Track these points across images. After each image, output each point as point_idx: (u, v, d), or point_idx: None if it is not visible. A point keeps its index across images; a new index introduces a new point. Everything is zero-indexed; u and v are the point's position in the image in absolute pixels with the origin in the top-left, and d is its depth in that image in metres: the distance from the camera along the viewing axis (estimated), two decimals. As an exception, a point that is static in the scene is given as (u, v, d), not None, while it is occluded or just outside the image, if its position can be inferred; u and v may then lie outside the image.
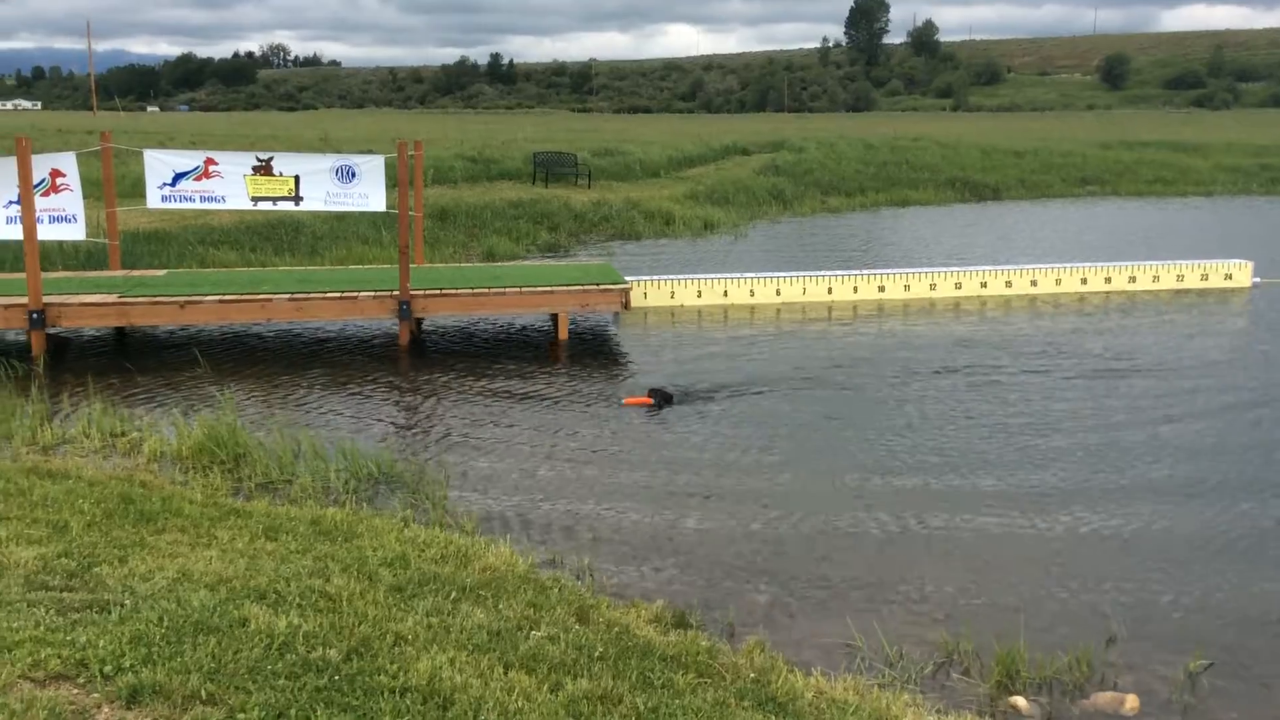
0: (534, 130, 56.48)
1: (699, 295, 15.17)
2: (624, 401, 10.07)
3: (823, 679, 4.84)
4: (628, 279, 13.80)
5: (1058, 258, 18.12)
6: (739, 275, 15.72)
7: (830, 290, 15.55)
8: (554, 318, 13.07)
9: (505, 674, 4.06)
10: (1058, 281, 16.29)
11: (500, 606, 4.99)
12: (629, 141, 42.88)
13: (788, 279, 15.58)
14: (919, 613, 5.95)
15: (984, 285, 16.06)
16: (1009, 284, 16.14)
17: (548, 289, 12.89)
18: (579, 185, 28.93)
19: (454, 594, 5.06)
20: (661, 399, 10.02)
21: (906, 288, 15.79)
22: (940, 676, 5.28)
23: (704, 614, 5.72)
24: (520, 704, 3.75)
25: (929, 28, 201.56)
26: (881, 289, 15.70)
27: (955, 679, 5.25)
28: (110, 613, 4.16)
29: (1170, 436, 9.26)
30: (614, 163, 33.32)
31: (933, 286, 15.87)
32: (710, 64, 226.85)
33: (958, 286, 15.96)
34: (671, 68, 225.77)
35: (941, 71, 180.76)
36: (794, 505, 7.53)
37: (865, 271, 16.35)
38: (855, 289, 15.64)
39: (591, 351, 12.57)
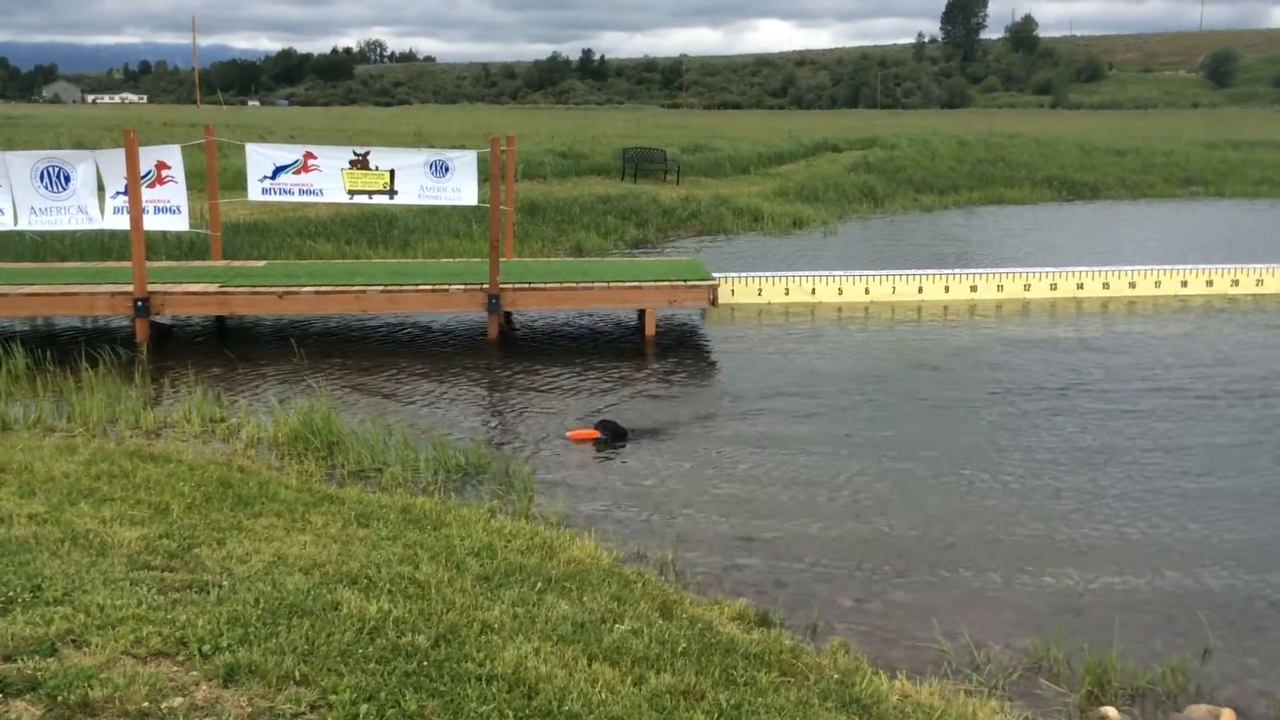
0: (624, 126, 56.65)
1: (786, 293, 15.07)
2: (568, 435, 8.87)
3: (907, 682, 4.78)
4: (715, 276, 13.77)
5: (1156, 260, 17.60)
6: (827, 273, 15.58)
7: (921, 289, 15.32)
8: (641, 313, 13.10)
9: (589, 665, 4.09)
10: (1157, 284, 15.83)
11: (584, 599, 5.03)
12: (719, 137, 42.78)
13: (877, 277, 15.40)
14: (1007, 619, 5.85)
15: (1080, 287, 15.68)
16: (1106, 285, 15.74)
17: (636, 284, 12.92)
18: (668, 181, 28.95)
19: (539, 585, 5.12)
20: (611, 433, 8.84)
21: (1000, 288, 15.49)
22: (1028, 683, 5.18)
23: (787, 614, 5.70)
24: (604, 696, 3.78)
25: (1028, 23, 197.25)
26: (974, 289, 15.43)
27: (1044, 686, 5.15)
28: (209, 593, 4.29)
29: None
30: (703, 159, 33.27)
31: (1027, 287, 15.54)
32: (802, 59, 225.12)
33: (1053, 287, 15.60)
34: (763, 63, 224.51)
35: (1040, 68, 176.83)
36: (879, 509, 7.45)
37: (957, 271, 16.09)
38: (947, 288, 15.39)
39: (678, 348, 12.58)
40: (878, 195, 29.87)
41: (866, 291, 15.20)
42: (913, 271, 15.85)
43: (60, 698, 3.26)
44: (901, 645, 5.48)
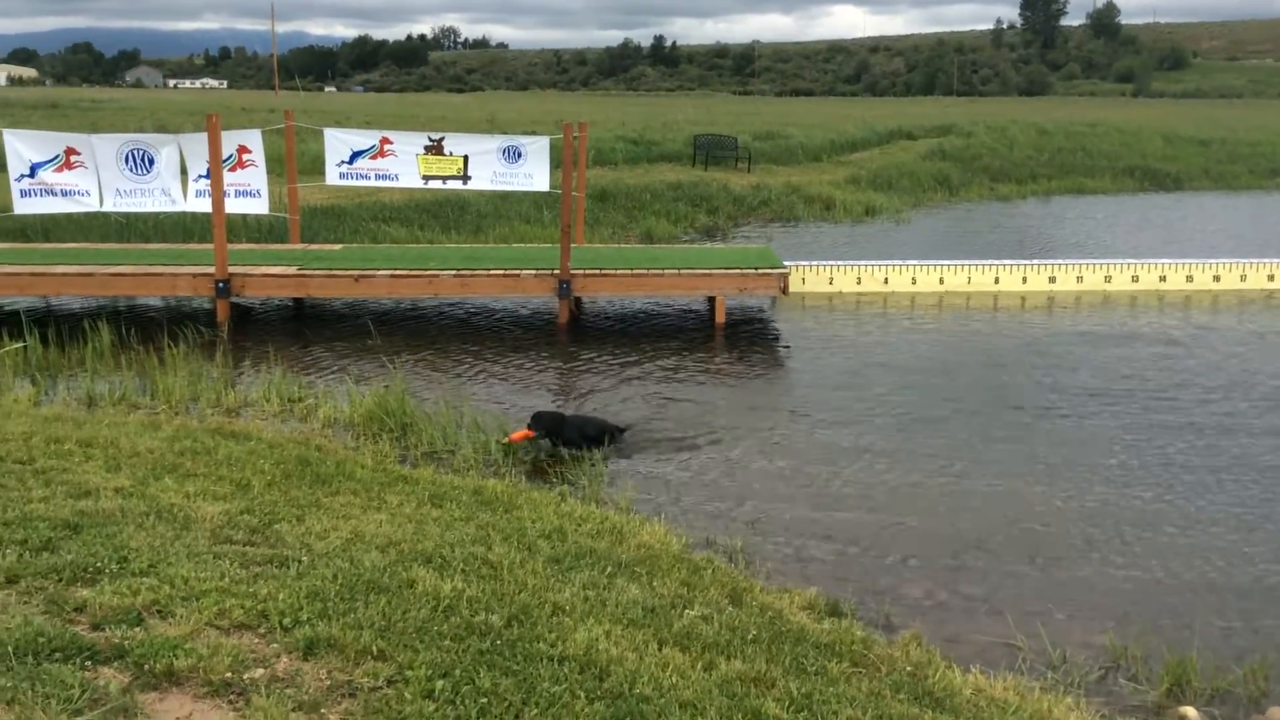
0: (695, 112, 56.47)
1: (858, 282, 14.92)
2: (508, 438, 8.02)
3: (981, 677, 4.72)
4: (786, 263, 13.69)
5: (1242, 253, 17.11)
6: (900, 262, 15.39)
7: (997, 280, 15.07)
8: (711, 301, 13.07)
9: (659, 650, 4.10)
10: (1242, 278, 15.39)
11: (654, 584, 5.04)
12: (790, 124, 42.45)
13: (952, 267, 15.18)
14: (1084, 615, 5.74)
15: (1162, 279, 15.30)
16: (1189, 279, 15.33)
17: (706, 271, 12.89)
18: (739, 168, 28.81)
19: (609, 569, 5.14)
20: (545, 427, 8.04)
21: (1079, 279, 15.18)
22: (1106, 682, 5.09)
23: (857, 604, 5.66)
24: (674, 680, 3.78)
25: (1110, 9, 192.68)
26: (1052, 280, 15.13)
27: (1122, 685, 5.06)
28: (289, 568, 4.38)
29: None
30: (775, 146, 33.04)
31: (1107, 279, 15.21)
32: (876, 46, 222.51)
33: (1134, 280, 15.24)
34: (836, 49, 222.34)
35: (1122, 55, 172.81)
36: (950, 502, 7.36)
37: (1035, 261, 15.80)
38: (1024, 279, 15.12)
39: (748, 336, 12.54)
40: (953, 184, 29.42)
41: (941, 281, 14.99)
42: (989, 261, 15.59)
43: (146, 666, 3.35)
44: (975, 639, 5.41)
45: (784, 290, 12.92)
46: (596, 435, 8.18)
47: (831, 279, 14.92)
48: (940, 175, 29.97)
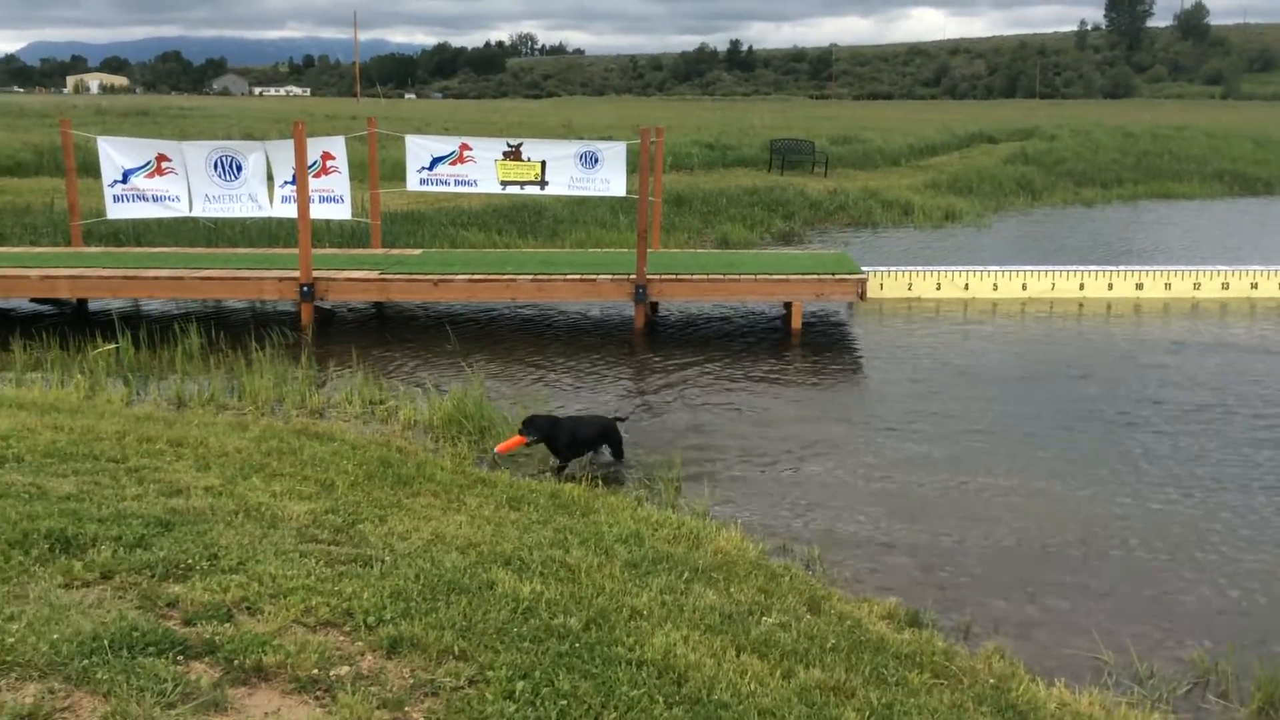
0: (771, 117, 56.25)
1: (938, 288, 14.73)
2: (497, 450, 7.74)
3: (1066, 691, 4.63)
4: (864, 269, 13.56)
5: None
6: (981, 268, 15.15)
7: (1082, 286, 14.76)
8: (788, 306, 13.00)
9: (737, 656, 4.09)
10: (1342, 284, 14.87)
11: (731, 590, 5.03)
12: (868, 129, 42.07)
13: (1035, 272, 14.90)
14: (1172, 630, 5.59)
15: (1254, 286, 14.86)
16: (1284, 285, 14.86)
17: (783, 277, 12.83)
18: (815, 173, 28.62)
19: (686, 574, 5.14)
20: (539, 430, 7.60)
21: (1167, 286, 14.80)
22: (1195, 698, 4.95)
23: (938, 615, 5.58)
24: (753, 687, 3.77)
25: (1198, 10, 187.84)
26: (1139, 286, 14.78)
27: (1211, 701, 4.92)
28: (372, 567, 4.46)
29: None
30: (852, 150, 32.78)
31: (1197, 286, 14.80)
32: (956, 48, 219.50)
33: (1224, 287, 14.82)
34: (915, 52, 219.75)
35: (1211, 57, 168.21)
36: (1031, 513, 7.22)
37: (1122, 267, 15.44)
38: (1110, 285, 14.79)
39: (825, 342, 12.44)
40: (1035, 188, 28.88)
41: (1024, 287, 14.73)
42: (1074, 267, 15.28)
43: (236, 661, 3.43)
44: (1059, 653, 5.30)
45: (861, 296, 12.80)
46: (593, 438, 7.90)
47: (910, 284, 14.75)
48: (1023, 179, 29.44)
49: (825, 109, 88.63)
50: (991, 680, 4.50)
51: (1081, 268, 15.24)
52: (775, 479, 7.79)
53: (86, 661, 3.28)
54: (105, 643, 3.39)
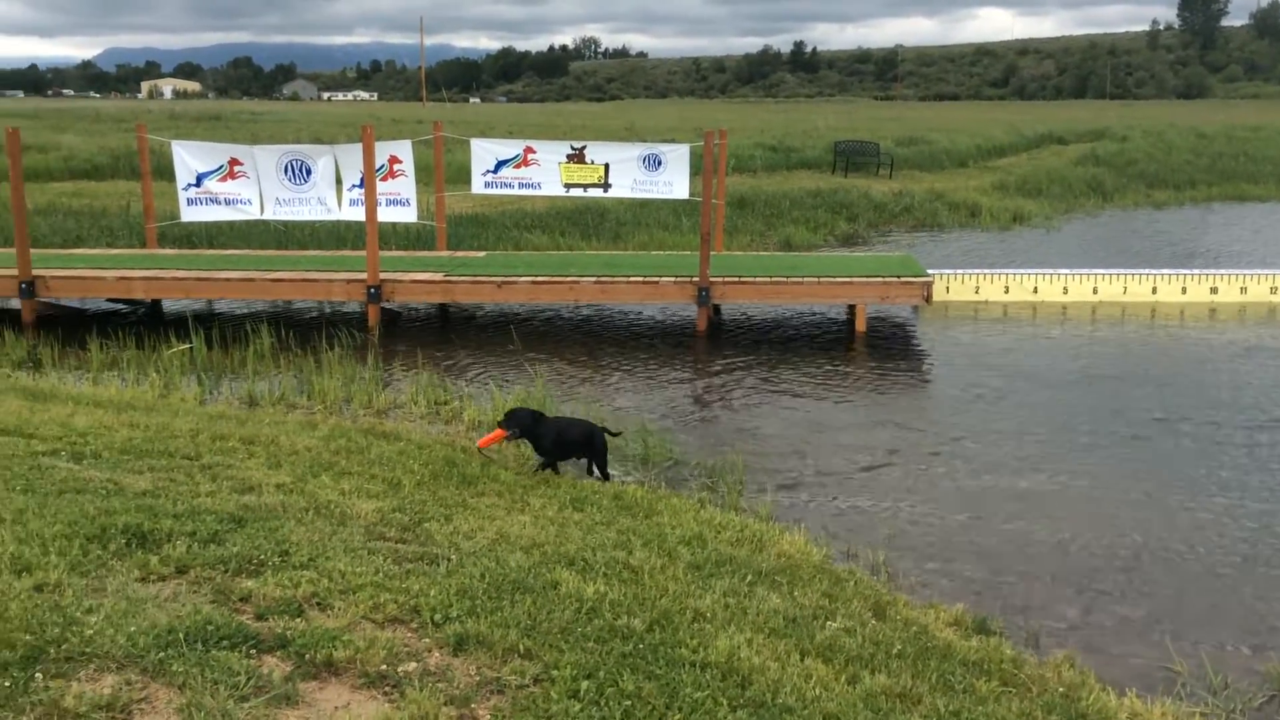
0: (835, 119, 55.89)
1: (1006, 291, 14.51)
2: (479, 444, 7.44)
3: (1138, 701, 4.53)
4: (929, 272, 13.41)
5: None
6: (1051, 271, 14.90)
7: (1155, 290, 14.46)
8: (851, 309, 12.90)
9: (801, 660, 4.07)
10: None
11: (795, 594, 5.00)
12: (934, 130, 41.64)
13: (1106, 276, 14.62)
14: (1248, 641, 5.45)
15: (1336, 290, 14.43)
16: (1367, 289, 14.43)
17: (847, 279, 12.74)
18: (880, 175, 28.38)
19: (749, 577, 5.12)
20: (519, 424, 7.10)
21: (1243, 290, 14.43)
22: (1270, 709, 4.82)
23: (1006, 622, 5.49)
24: (818, 692, 3.75)
25: (1275, 9, 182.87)
26: (1214, 290, 14.43)
27: (1290, 718, 4.79)
28: (439, 565, 4.50)
29: None
30: (918, 152, 32.47)
31: (1274, 290, 14.42)
32: (1025, 48, 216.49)
33: (1304, 290, 14.42)
34: (983, 53, 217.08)
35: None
36: (1102, 521, 7.08)
37: (1195, 271, 15.10)
38: (1184, 289, 14.46)
39: (890, 346, 12.33)
40: (1106, 190, 28.35)
41: (1094, 291, 14.46)
42: (1146, 271, 14.97)
43: (307, 656, 3.49)
44: (1130, 662, 5.19)
45: (927, 299, 12.66)
46: (578, 442, 7.27)
47: (977, 288, 14.55)
48: (1093, 181, 28.92)
49: (890, 110, 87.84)
50: (1061, 689, 4.42)
51: (1154, 271, 14.93)
52: (839, 483, 7.73)
53: (162, 654, 3.35)
54: (180, 636, 3.47)
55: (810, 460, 8.22)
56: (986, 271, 15.01)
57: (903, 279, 12.66)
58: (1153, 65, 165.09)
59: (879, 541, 6.59)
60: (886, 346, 12.24)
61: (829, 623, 4.64)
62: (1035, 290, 14.49)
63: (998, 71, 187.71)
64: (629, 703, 3.40)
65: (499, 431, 7.13)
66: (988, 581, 6.11)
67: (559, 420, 7.48)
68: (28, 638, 3.36)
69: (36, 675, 3.17)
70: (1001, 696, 4.18)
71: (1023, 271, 14.93)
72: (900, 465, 8.12)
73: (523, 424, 7.06)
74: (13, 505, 4.67)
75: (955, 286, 14.48)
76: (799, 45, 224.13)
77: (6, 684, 3.10)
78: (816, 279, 12.72)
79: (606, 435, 7.37)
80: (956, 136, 37.54)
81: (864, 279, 12.73)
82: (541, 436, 7.11)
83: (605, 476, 7.27)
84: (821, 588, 5.20)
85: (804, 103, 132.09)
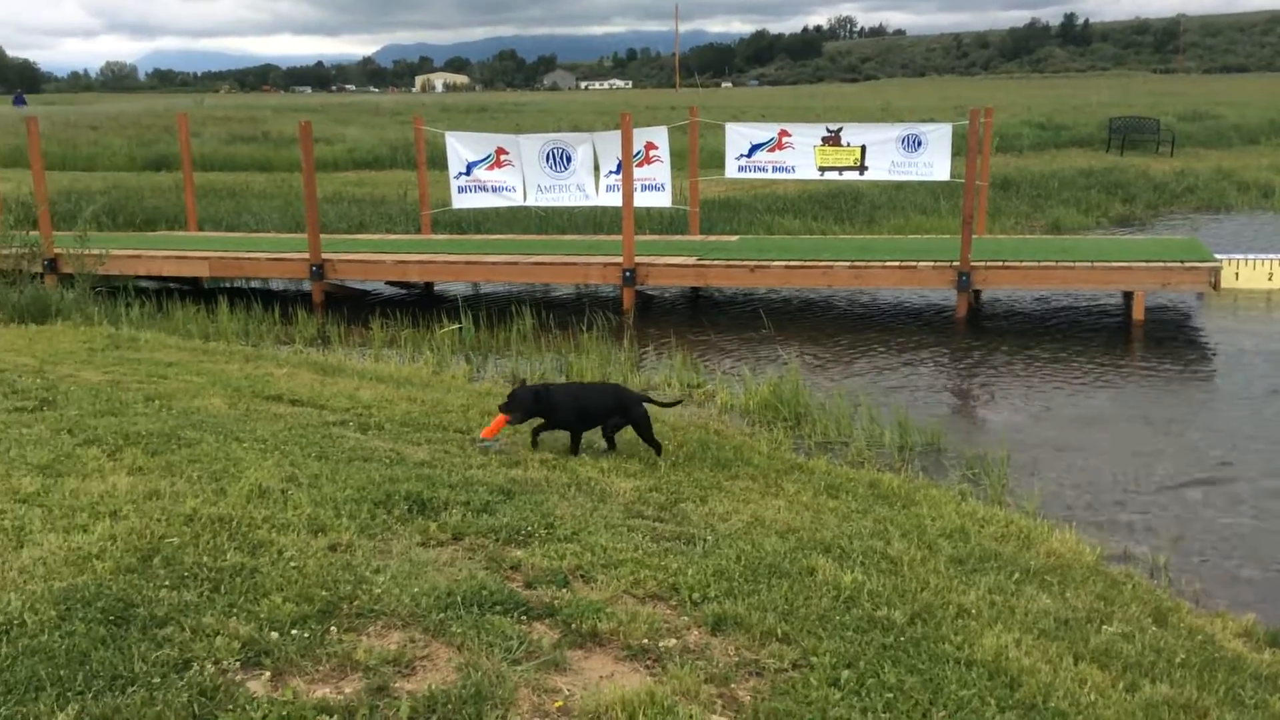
0: (1109, 94, 52.56)
1: (1305, 278, 13.24)
2: (481, 435, 6.32)
3: None
4: (1217, 256, 12.40)
5: None
6: (1360, 256, 13.48)
7: None
8: (1127, 297, 12.11)
9: (1075, 664, 3.86)
10: None
11: (1067, 595, 4.74)
12: (1221, 104, 38.47)
13: None
14: None
15: None
16: None
17: (1124, 264, 11.95)
18: (1160, 153, 26.51)
19: (1016, 575, 4.90)
20: (522, 410, 6.14)
21: None
22: None
23: (1304, 637, 5.02)
24: (1093, 698, 3.54)
25: None
26: None
27: None
28: (695, 546, 4.55)
29: None
30: (1203, 128, 30.12)
31: None
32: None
33: None
34: (1276, 20, 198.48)
35: None
36: None
37: None
38: None
39: (1170, 337, 11.49)
40: None
41: None
42: None
43: (574, 625, 3.61)
44: None
45: (1214, 286, 11.71)
46: (605, 408, 6.41)
47: (1271, 274, 13.34)
48: None
49: (1171, 84, 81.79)
50: (1375, 717, 4.00)
51: None
52: (1112, 481, 7.28)
53: (442, 615, 3.55)
54: (458, 599, 3.66)
55: (1079, 457, 7.78)
56: (1283, 256, 13.75)
57: (1187, 264, 11.76)
58: None
59: (1159, 545, 6.17)
60: (1166, 338, 11.41)
61: (1105, 627, 4.37)
62: (1341, 277, 13.13)
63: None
64: (890, 695, 3.33)
65: (500, 418, 6.23)
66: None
67: (571, 386, 6.87)
68: (324, 593, 3.64)
69: (331, 629, 3.43)
70: (1303, 718, 3.82)
71: (1326, 256, 13.57)
72: (1181, 466, 7.56)
73: (524, 405, 6.14)
74: (309, 470, 5.07)
75: (1246, 273, 13.32)
76: (1069, 17, 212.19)
77: (305, 635, 3.37)
78: (1089, 264, 12.00)
79: (654, 405, 6.69)
80: (1246, 111, 34.56)
81: (1143, 264, 11.91)
82: (556, 409, 6.25)
83: (654, 446, 6.43)
84: (1095, 590, 4.91)
85: (1075, 77, 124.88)
